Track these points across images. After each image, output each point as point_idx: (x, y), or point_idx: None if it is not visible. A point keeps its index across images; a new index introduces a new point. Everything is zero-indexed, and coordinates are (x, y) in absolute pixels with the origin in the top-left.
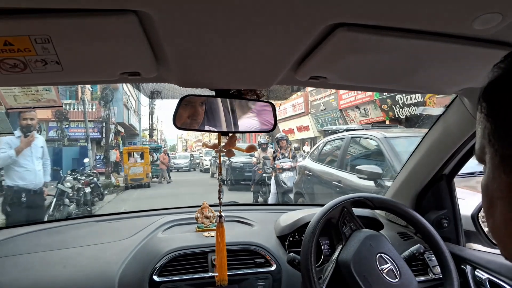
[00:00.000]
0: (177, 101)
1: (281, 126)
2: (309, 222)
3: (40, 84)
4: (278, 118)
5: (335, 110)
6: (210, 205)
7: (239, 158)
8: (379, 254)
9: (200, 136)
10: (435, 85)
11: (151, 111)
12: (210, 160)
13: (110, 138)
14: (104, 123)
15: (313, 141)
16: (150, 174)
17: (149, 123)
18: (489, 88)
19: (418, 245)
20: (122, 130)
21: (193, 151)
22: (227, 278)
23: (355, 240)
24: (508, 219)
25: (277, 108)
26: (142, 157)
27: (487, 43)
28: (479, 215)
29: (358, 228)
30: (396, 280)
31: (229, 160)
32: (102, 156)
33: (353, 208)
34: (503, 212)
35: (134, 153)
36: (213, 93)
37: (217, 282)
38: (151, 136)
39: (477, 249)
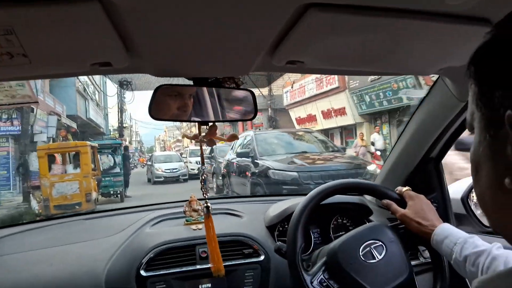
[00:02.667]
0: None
1: (296, 112)
2: None
3: (10, 78)
4: (291, 102)
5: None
6: (199, 199)
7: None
8: (368, 241)
9: (180, 136)
10: (415, 65)
11: (120, 106)
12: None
13: (51, 135)
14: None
15: (355, 130)
16: (95, 195)
17: (118, 119)
18: (477, 53)
19: None
20: (74, 126)
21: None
22: (223, 268)
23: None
24: (493, 182)
25: (288, 88)
26: (76, 163)
27: (464, 20)
28: (469, 197)
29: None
30: (379, 258)
31: (262, 166)
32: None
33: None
34: (488, 175)
35: (60, 155)
36: (190, 83)
37: (214, 274)
38: (121, 135)
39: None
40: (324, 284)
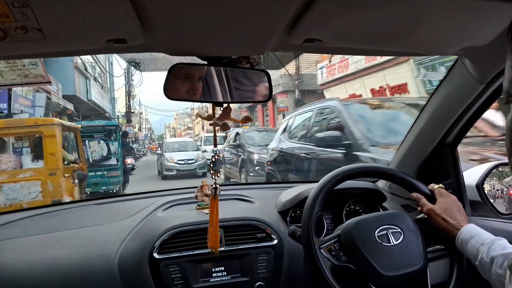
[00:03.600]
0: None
1: (334, 92)
2: None
3: (23, 55)
4: (328, 79)
5: None
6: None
7: None
8: (387, 225)
9: (191, 123)
10: (436, 45)
11: (128, 89)
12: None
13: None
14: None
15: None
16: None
17: (126, 103)
18: None
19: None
20: (70, 108)
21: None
22: (218, 246)
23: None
24: None
25: (324, 64)
26: (36, 152)
27: None
28: (484, 184)
29: None
30: (395, 243)
31: None
32: None
33: (354, 179)
34: None
35: (11, 139)
36: (204, 63)
37: (210, 249)
38: (128, 121)
39: (482, 218)
40: (333, 253)
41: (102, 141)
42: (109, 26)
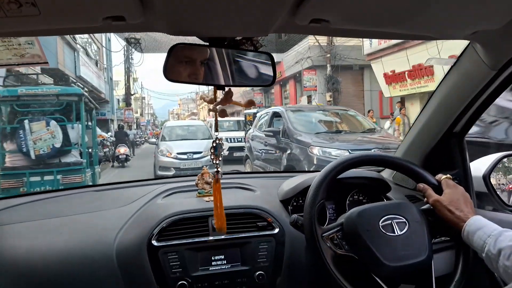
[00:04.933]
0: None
1: (387, 64)
2: None
3: (18, 32)
4: (379, 48)
5: None
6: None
7: None
8: (392, 215)
9: (195, 109)
10: (446, 27)
11: (127, 68)
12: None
13: None
14: None
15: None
16: None
17: (125, 83)
18: None
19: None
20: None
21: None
22: (225, 227)
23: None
24: None
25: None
26: None
27: None
28: (491, 176)
29: None
30: (399, 233)
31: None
32: None
33: (359, 167)
34: None
35: None
36: (206, 44)
37: (217, 230)
38: (128, 104)
39: (489, 210)
40: (335, 242)
41: (53, 123)
42: (107, 1)
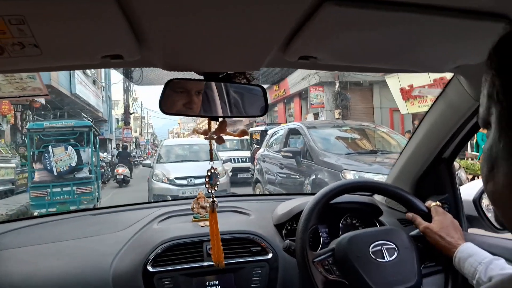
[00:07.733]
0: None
1: (402, 79)
2: None
3: (20, 69)
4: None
5: None
6: (208, 196)
7: None
8: (381, 241)
9: (196, 127)
10: (431, 63)
11: (126, 86)
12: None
13: None
14: None
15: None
16: None
17: (124, 102)
18: (501, 42)
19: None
20: (40, 100)
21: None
22: (223, 260)
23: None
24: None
25: None
26: None
27: (484, 16)
28: (481, 199)
29: None
30: (389, 259)
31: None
32: None
33: (351, 193)
34: (507, 174)
35: None
36: (201, 78)
37: (214, 264)
38: (126, 123)
39: (479, 234)
40: (326, 267)
41: (70, 147)
42: (105, 42)
